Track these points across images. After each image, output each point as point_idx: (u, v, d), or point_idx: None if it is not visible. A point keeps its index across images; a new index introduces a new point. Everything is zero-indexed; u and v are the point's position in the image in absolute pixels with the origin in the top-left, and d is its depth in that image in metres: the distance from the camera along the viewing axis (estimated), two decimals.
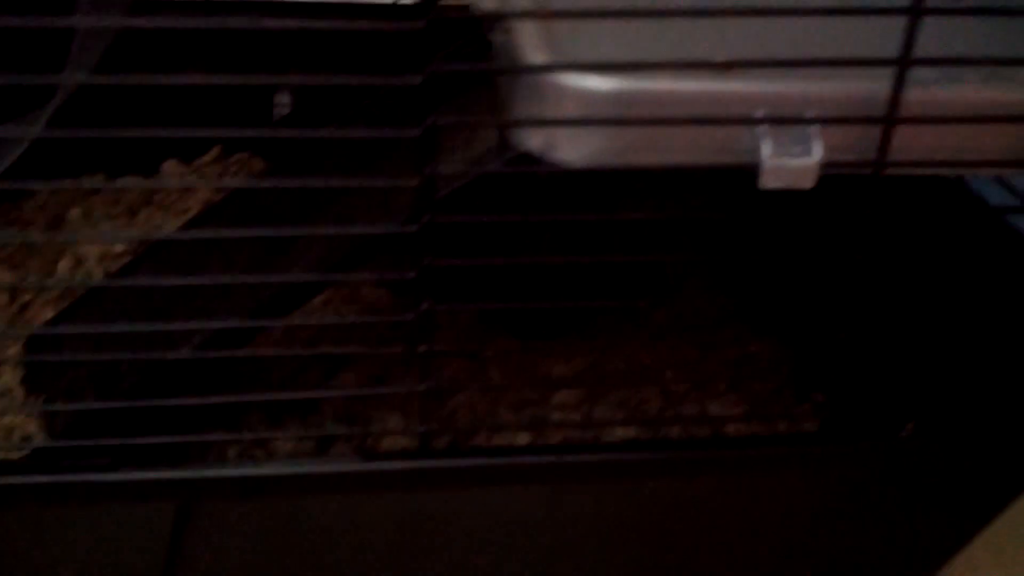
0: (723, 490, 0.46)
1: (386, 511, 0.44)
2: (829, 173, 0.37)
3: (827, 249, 0.40)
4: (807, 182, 0.36)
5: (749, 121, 0.36)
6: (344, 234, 0.44)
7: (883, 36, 0.35)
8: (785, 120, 0.36)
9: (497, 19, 0.39)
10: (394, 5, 0.59)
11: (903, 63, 0.35)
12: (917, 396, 0.46)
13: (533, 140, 0.37)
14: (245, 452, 0.55)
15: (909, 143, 0.37)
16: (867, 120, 0.36)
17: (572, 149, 0.37)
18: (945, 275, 0.52)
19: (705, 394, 0.63)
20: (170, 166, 0.75)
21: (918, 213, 0.42)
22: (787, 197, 0.38)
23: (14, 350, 0.59)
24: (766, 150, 0.36)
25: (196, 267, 0.53)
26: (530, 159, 0.38)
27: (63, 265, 0.66)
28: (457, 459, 0.43)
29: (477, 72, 0.35)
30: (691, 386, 0.63)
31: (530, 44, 0.39)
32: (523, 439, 0.58)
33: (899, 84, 0.35)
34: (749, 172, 0.36)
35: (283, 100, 0.71)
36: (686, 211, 0.43)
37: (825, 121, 0.36)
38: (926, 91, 0.37)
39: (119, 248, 0.67)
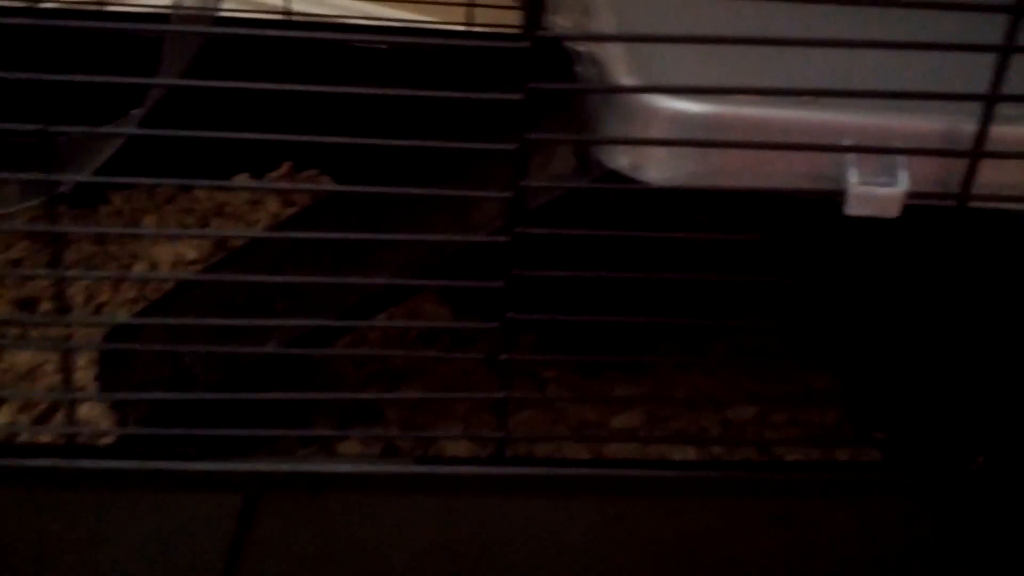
0: (783, 516, 0.46)
1: (449, 516, 0.45)
2: (914, 203, 0.37)
3: (903, 283, 0.40)
4: (892, 211, 0.37)
5: (837, 149, 0.36)
6: (427, 243, 0.46)
7: (968, 71, 0.36)
8: (874, 149, 0.37)
9: (588, 39, 0.40)
10: (499, 29, 0.61)
11: (991, 99, 0.35)
12: (987, 430, 0.46)
13: (622, 159, 0.38)
14: (312, 454, 0.56)
15: (992, 178, 0.38)
16: (953, 153, 0.37)
17: (660, 170, 0.38)
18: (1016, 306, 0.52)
19: (765, 426, 0.63)
20: (241, 180, 0.77)
21: (985, 249, 0.42)
22: (859, 230, 0.39)
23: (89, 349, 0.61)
24: (853, 177, 0.36)
25: (276, 272, 0.54)
26: (616, 178, 0.39)
27: (137, 269, 0.68)
28: (524, 467, 0.43)
29: (574, 91, 0.36)
30: (752, 417, 0.64)
31: (617, 64, 0.40)
32: (584, 454, 0.58)
33: (987, 119, 0.36)
34: (835, 200, 0.37)
35: None
36: (769, 236, 0.43)
37: (912, 152, 0.37)
38: (1011, 127, 0.37)
39: (191, 255, 0.69)
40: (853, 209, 0.37)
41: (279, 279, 0.45)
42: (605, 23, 0.45)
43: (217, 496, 0.44)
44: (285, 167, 0.77)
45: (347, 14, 0.74)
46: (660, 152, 0.38)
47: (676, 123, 0.37)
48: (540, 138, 0.35)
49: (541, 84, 0.34)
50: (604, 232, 0.37)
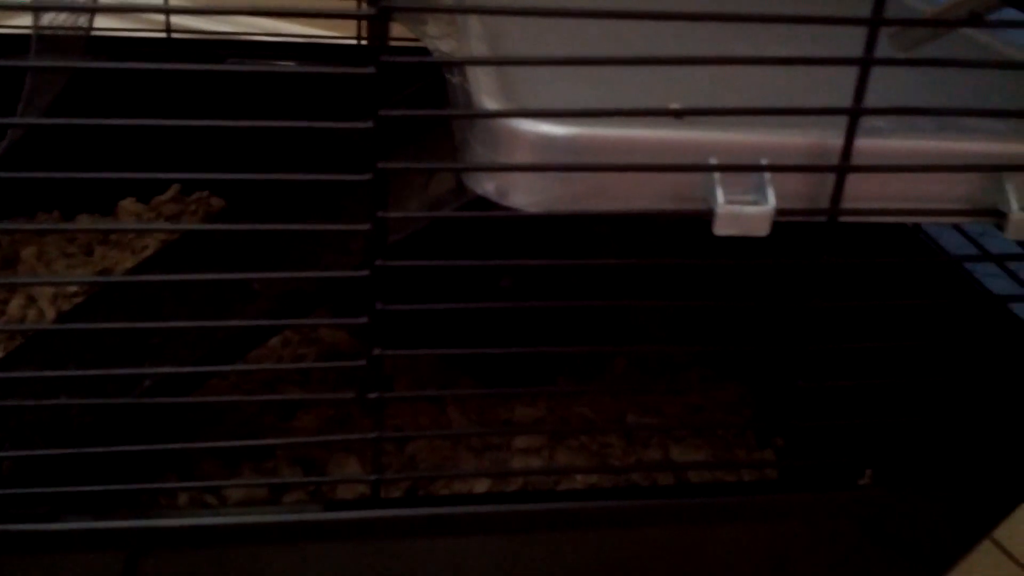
0: (686, 538, 0.45)
1: (342, 560, 0.43)
2: (784, 220, 0.37)
3: (783, 295, 0.40)
4: (761, 230, 0.36)
5: (701, 168, 0.36)
6: (298, 278, 0.44)
7: (836, 87, 0.36)
8: (738, 168, 0.36)
9: (451, 63, 0.39)
10: (348, 47, 0.60)
11: (855, 112, 0.35)
12: (875, 443, 0.46)
13: (487, 185, 0.37)
14: (197, 499, 0.54)
15: (863, 192, 0.37)
16: (820, 168, 0.36)
17: (526, 194, 0.37)
18: (903, 322, 0.52)
19: (668, 439, 0.63)
20: (127, 204, 0.74)
21: (876, 261, 0.42)
22: (749, 243, 0.38)
23: None
24: (720, 197, 0.36)
25: (151, 307, 0.52)
26: (486, 204, 0.38)
27: (14, 304, 0.65)
28: (409, 508, 0.42)
29: (428, 117, 0.35)
30: (654, 431, 0.63)
31: (485, 88, 0.39)
32: (483, 486, 0.57)
33: (851, 132, 0.36)
34: (704, 220, 0.36)
35: None
36: (647, 257, 0.43)
37: (778, 169, 0.36)
38: (879, 141, 0.37)
39: (72, 288, 0.66)
40: (721, 229, 0.36)
41: (147, 325, 0.42)
42: (473, 38, 0.44)
43: (96, 556, 0.42)
44: (172, 190, 0.75)
45: (246, 30, 0.72)
46: (525, 177, 0.37)
47: (540, 147, 0.36)
48: (393, 167, 0.34)
49: (390, 112, 0.33)
50: (468, 263, 0.36)
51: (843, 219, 0.37)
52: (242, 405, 0.59)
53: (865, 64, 0.34)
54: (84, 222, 0.73)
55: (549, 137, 0.36)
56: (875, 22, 0.33)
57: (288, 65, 0.61)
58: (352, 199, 0.47)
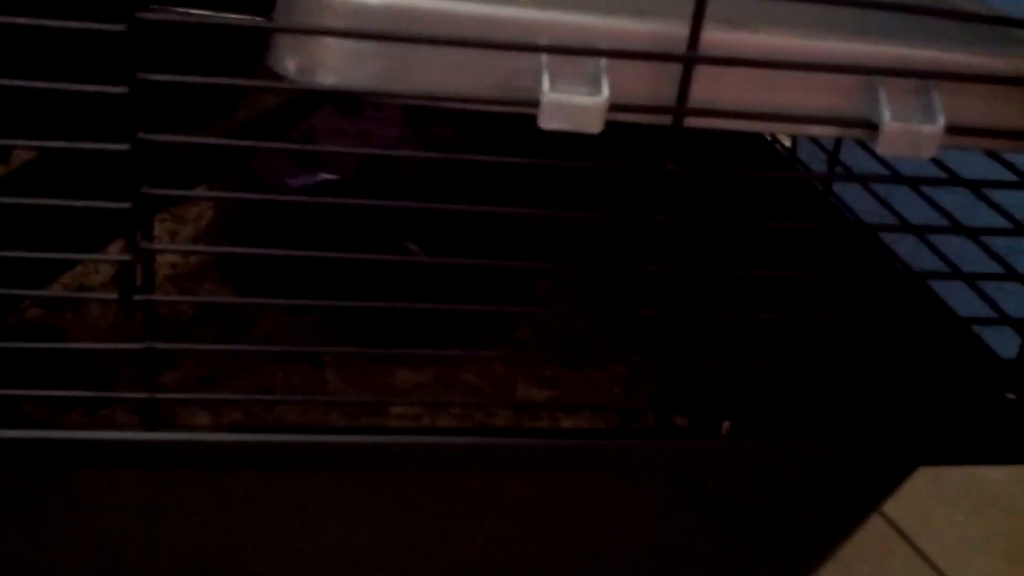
0: (545, 486, 0.40)
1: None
2: (622, 120, 0.32)
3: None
4: (593, 125, 0.32)
5: (524, 48, 0.31)
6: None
7: None
8: (567, 50, 0.32)
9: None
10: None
11: None
12: (736, 396, 0.41)
13: (288, 63, 0.33)
14: None
15: (712, 95, 0.33)
16: (663, 57, 0.32)
17: (334, 71, 0.32)
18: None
19: (561, 413, 0.58)
20: None
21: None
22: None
23: None
24: (546, 84, 0.31)
25: None
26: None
27: None
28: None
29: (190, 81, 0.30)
30: (544, 402, 0.58)
31: None
32: None
33: (699, 16, 0.31)
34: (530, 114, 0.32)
35: None
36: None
37: (614, 54, 0.32)
38: (730, 34, 0.33)
39: None
40: (546, 122, 0.32)
41: None
42: None
43: None
44: None
45: None
46: (332, 52, 0.32)
47: (350, 16, 0.32)
48: (154, 139, 0.29)
49: (148, 75, 0.28)
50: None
51: (689, 123, 0.33)
52: None
53: None
54: None
55: (361, 4, 0.32)
56: None
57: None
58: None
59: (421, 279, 0.58)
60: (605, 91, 0.32)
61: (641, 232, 0.34)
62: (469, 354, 0.61)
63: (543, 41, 0.32)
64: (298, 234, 0.56)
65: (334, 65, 0.32)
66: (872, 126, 0.33)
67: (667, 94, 0.33)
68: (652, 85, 0.33)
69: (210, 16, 0.30)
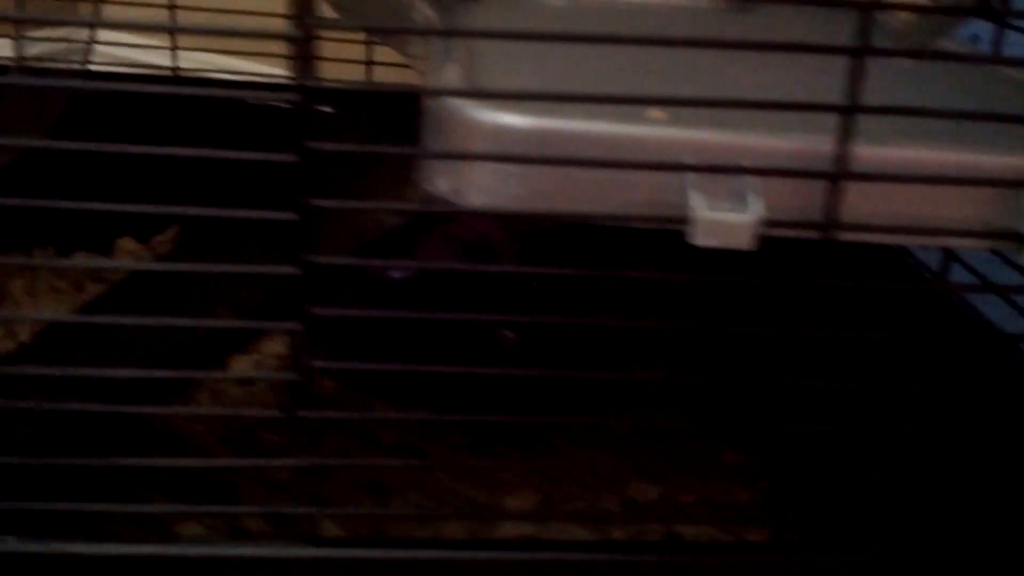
0: None
1: None
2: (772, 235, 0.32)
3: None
4: (744, 242, 0.32)
5: (674, 167, 0.32)
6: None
7: (827, 90, 0.32)
8: (715, 169, 0.32)
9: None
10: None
11: (849, 109, 0.31)
12: (887, 518, 0.40)
13: (440, 183, 0.34)
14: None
15: (858, 208, 0.33)
16: (811, 174, 0.32)
17: (482, 193, 0.33)
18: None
19: (671, 507, 0.57)
20: (124, 243, 0.72)
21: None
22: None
23: None
24: (697, 202, 0.32)
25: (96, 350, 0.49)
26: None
27: None
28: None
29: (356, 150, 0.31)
30: (656, 497, 0.58)
31: (447, 80, 0.36)
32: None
33: (845, 133, 0.32)
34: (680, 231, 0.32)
35: None
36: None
37: (762, 172, 0.32)
38: (876, 149, 0.33)
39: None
40: (700, 239, 0.32)
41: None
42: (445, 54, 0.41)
43: None
44: (172, 230, 0.73)
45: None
46: (482, 173, 0.33)
47: (498, 139, 0.33)
48: (322, 206, 0.30)
49: (315, 145, 0.29)
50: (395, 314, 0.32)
51: (840, 237, 0.33)
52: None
53: (858, 53, 0.30)
54: (80, 260, 0.71)
55: (508, 128, 0.32)
56: (869, 5, 0.30)
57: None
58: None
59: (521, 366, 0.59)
60: (756, 208, 0.32)
61: (781, 345, 0.34)
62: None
63: (687, 159, 0.32)
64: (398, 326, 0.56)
65: (484, 185, 0.33)
66: (1019, 237, 0.33)
67: (814, 207, 0.33)
68: (798, 198, 0.33)
69: (373, 148, 0.30)
